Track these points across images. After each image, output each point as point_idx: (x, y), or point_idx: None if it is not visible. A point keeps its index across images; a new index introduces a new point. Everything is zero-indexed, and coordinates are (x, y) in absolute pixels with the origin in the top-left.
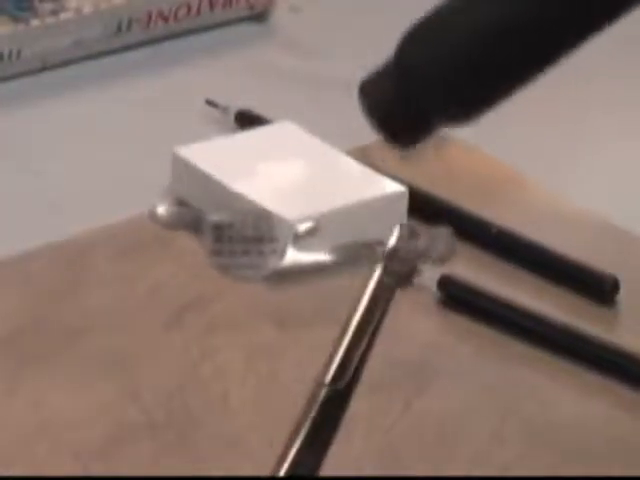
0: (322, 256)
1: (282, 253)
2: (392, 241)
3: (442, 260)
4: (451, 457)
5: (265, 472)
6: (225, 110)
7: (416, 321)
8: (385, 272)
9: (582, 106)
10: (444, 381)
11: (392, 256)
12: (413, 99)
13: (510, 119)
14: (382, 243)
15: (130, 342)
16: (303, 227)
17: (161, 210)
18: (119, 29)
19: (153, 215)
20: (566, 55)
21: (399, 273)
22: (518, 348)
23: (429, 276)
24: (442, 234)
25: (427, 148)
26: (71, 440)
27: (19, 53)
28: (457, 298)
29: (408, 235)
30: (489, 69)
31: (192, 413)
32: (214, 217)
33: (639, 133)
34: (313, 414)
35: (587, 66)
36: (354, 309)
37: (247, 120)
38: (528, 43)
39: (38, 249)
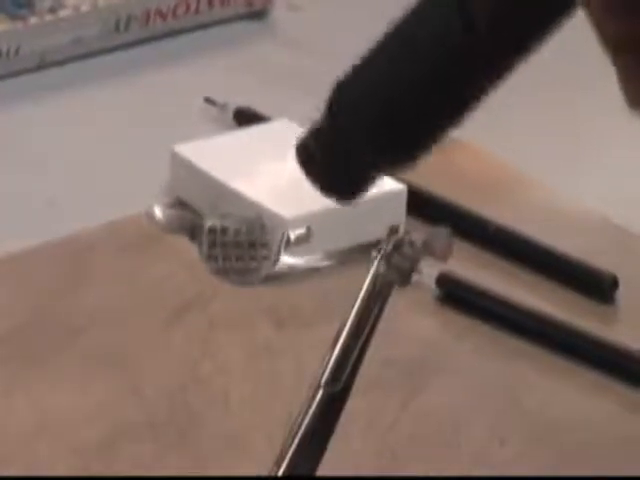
0: (316, 261)
1: (275, 258)
2: (397, 235)
3: (442, 258)
4: (450, 456)
5: (265, 471)
6: (224, 108)
7: (414, 319)
8: (388, 266)
9: (583, 105)
10: (443, 379)
11: (395, 250)
12: (346, 146)
13: (509, 117)
14: (381, 241)
15: (130, 341)
16: (296, 233)
17: (157, 212)
18: (117, 27)
19: (150, 217)
20: (497, 84)
21: (401, 268)
22: (517, 346)
23: (427, 273)
24: (441, 233)
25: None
26: (71, 439)
27: (17, 51)
28: (456, 296)
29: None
30: (419, 115)
31: (192, 412)
32: (208, 222)
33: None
34: (310, 415)
35: (588, 66)
36: (350, 309)
37: (245, 118)
38: (457, 77)
39: (37, 247)
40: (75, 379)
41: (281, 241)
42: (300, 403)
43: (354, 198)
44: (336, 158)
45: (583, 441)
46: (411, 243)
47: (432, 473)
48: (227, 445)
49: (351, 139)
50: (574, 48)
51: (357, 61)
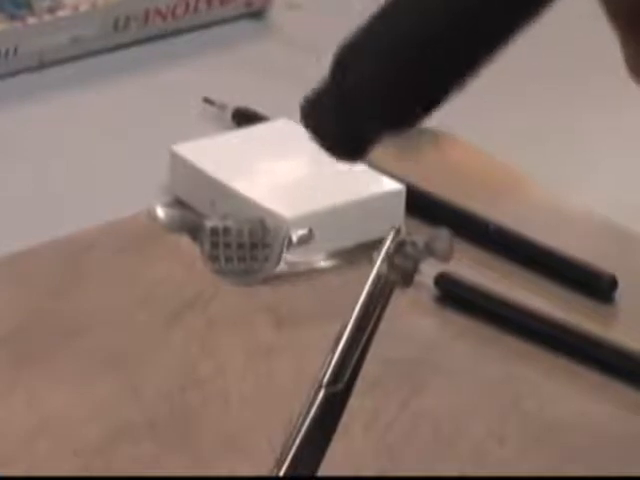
0: (317, 261)
1: (277, 259)
2: (399, 236)
3: (444, 259)
4: (449, 456)
5: (264, 471)
6: (222, 108)
7: (413, 318)
8: (390, 267)
9: (585, 105)
10: (441, 379)
11: (397, 251)
12: (354, 109)
13: (510, 117)
14: (383, 242)
15: (129, 340)
16: (298, 234)
17: (160, 212)
18: (116, 26)
19: (152, 216)
20: (497, 53)
21: (403, 269)
22: (516, 346)
23: (426, 273)
24: (443, 234)
25: (425, 146)
26: (70, 439)
27: (16, 50)
28: (454, 295)
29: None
30: (423, 72)
31: (192, 412)
32: (210, 222)
33: (639, 132)
34: (312, 415)
35: (589, 64)
36: (352, 310)
37: (245, 118)
38: (455, 48)
39: (35, 247)
40: (74, 379)
41: (283, 242)
42: (300, 403)
43: (358, 158)
44: (342, 118)
45: (582, 441)
46: (413, 244)
47: (431, 473)
48: (226, 445)
49: (358, 100)
50: (578, 49)
51: (364, 23)
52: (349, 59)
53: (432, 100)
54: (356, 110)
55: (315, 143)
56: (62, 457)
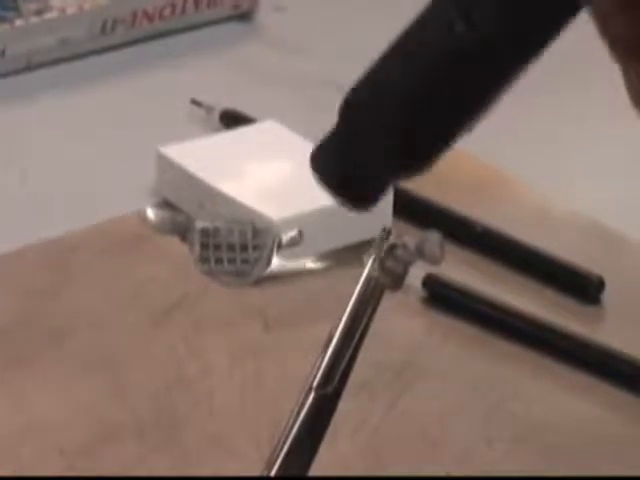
0: (308, 263)
1: (267, 261)
2: (390, 239)
3: (434, 262)
4: (436, 457)
5: (251, 471)
6: (210, 109)
7: (400, 320)
8: (381, 270)
9: (571, 107)
10: (428, 380)
11: (388, 254)
12: (362, 161)
13: (497, 120)
14: (374, 244)
15: (116, 341)
16: (287, 236)
17: (150, 213)
18: (104, 29)
19: (142, 217)
20: (507, 89)
21: (394, 272)
22: (503, 347)
23: (414, 275)
24: (433, 237)
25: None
26: (57, 439)
27: (3, 52)
28: (442, 297)
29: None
30: (431, 120)
31: (178, 413)
32: (201, 224)
33: (627, 135)
34: (302, 417)
35: (577, 69)
36: (342, 312)
37: (232, 119)
38: (470, 83)
39: (22, 249)
40: (60, 380)
41: (273, 244)
42: (286, 404)
43: (370, 205)
44: (349, 162)
45: (569, 441)
46: (404, 247)
47: (418, 473)
48: (212, 445)
49: (367, 148)
50: (565, 49)
51: (370, 67)
52: (355, 105)
53: (440, 145)
54: (362, 154)
55: (325, 190)
56: (48, 457)
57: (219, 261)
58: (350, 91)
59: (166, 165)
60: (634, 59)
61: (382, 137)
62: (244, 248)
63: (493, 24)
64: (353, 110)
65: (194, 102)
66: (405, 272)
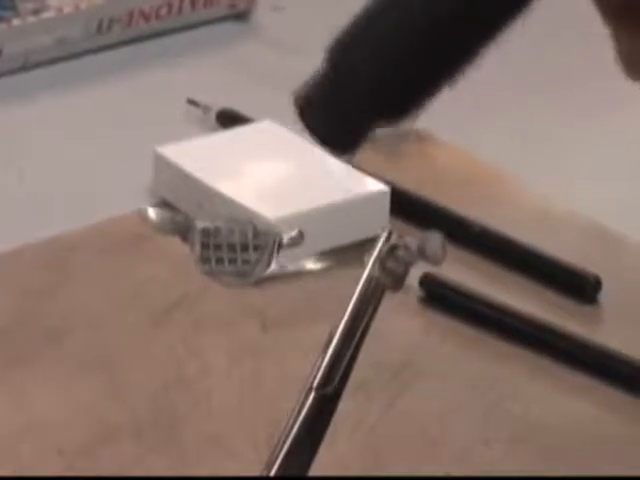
0: (308, 264)
1: (268, 261)
2: (392, 239)
3: (435, 263)
4: (435, 457)
5: (249, 471)
6: (207, 109)
7: (398, 320)
8: (382, 270)
9: (569, 106)
10: (427, 380)
11: (389, 254)
12: (346, 102)
13: (495, 119)
14: (375, 244)
15: (115, 341)
16: (288, 236)
17: (151, 213)
18: (100, 28)
19: (143, 217)
20: (489, 44)
21: (395, 272)
22: (501, 347)
23: (411, 274)
24: (435, 237)
25: (411, 148)
26: (55, 440)
27: (0, 52)
28: (439, 297)
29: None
30: (416, 64)
31: (176, 413)
32: (201, 223)
33: (627, 135)
34: (302, 418)
35: (577, 68)
36: (343, 312)
37: (229, 119)
38: (453, 38)
39: (20, 249)
40: (59, 380)
41: (274, 244)
42: (285, 405)
43: (351, 151)
44: (334, 112)
45: (567, 442)
46: (406, 247)
47: (416, 473)
48: (211, 445)
49: (349, 93)
50: (561, 48)
51: (353, 19)
52: (340, 53)
53: (422, 92)
54: (348, 103)
55: (309, 137)
56: (47, 457)
57: (220, 261)
58: (336, 39)
59: (163, 165)
60: (624, 22)
61: (367, 83)
62: (245, 248)
63: None
64: (339, 58)
65: (191, 102)
66: (406, 273)
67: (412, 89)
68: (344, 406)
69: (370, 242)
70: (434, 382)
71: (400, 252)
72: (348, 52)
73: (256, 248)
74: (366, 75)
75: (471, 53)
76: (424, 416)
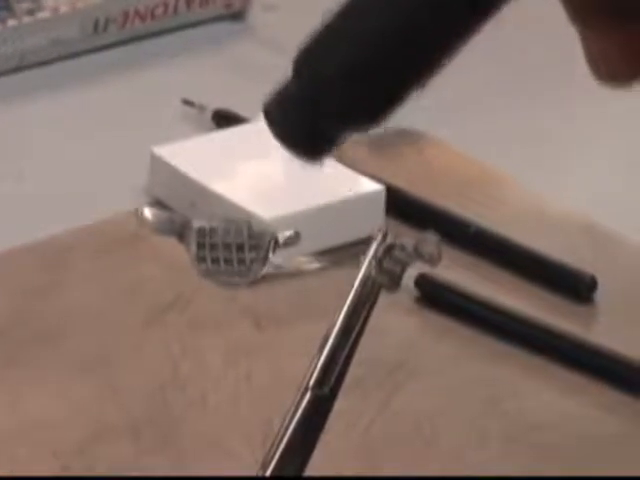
0: (303, 264)
1: (264, 261)
2: (388, 239)
3: (432, 263)
4: (429, 457)
5: (245, 471)
6: (202, 109)
7: (393, 319)
8: (379, 271)
9: (564, 105)
10: (421, 380)
11: (386, 254)
12: (316, 111)
13: (490, 118)
14: (370, 242)
15: (111, 341)
16: (284, 236)
17: (147, 213)
18: (96, 28)
19: (139, 217)
20: (457, 51)
21: (391, 272)
22: (496, 347)
23: (407, 274)
24: (431, 238)
25: (405, 148)
26: (51, 440)
27: None
28: (435, 296)
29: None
30: (384, 70)
31: (172, 413)
32: (197, 223)
33: (622, 134)
34: (298, 418)
35: (572, 67)
36: (339, 312)
37: (224, 119)
38: (421, 42)
39: (14, 249)
40: (55, 380)
41: (269, 244)
42: (280, 404)
43: (320, 157)
44: (302, 117)
45: (562, 441)
46: (402, 248)
47: (411, 473)
48: (206, 446)
49: (317, 99)
50: (558, 48)
51: (322, 23)
52: (308, 58)
53: (392, 98)
54: (316, 108)
55: (278, 142)
56: (43, 458)
57: (215, 261)
58: (304, 48)
59: (159, 165)
60: (590, 23)
61: (338, 89)
62: (241, 248)
63: None
64: (307, 67)
65: (186, 102)
66: (402, 273)
67: (381, 96)
68: (339, 405)
69: (366, 242)
70: (429, 382)
71: (396, 252)
72: (313, 58)
73: (252, 248)
74: (332, 81)
75: (442, 57)
76: (419, 415)
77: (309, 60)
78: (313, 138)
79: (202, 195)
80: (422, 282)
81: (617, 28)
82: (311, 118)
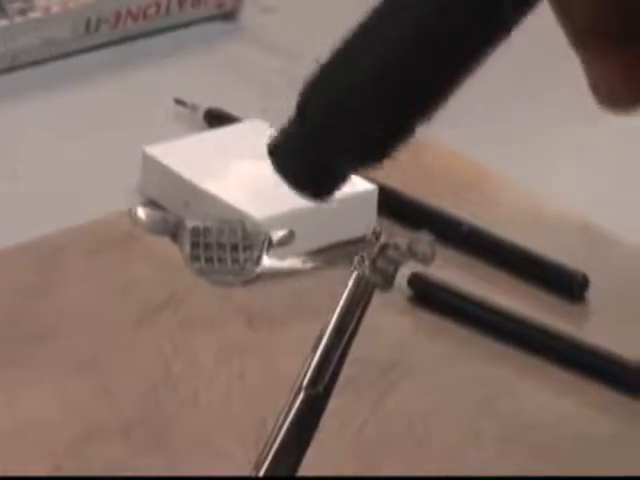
0: (297, 263)
1: (257, 261)
2: (381, 239)
3: (425, 263)
4: (423, 456)
5: (238, 471)
6: (194, 109)
7: (386, 319)
8: (372, 270)
9: (557, 105)
10: (415, 379)
11: (380, 254)
12: (320, 151)
13: (483, 117)
14: (363, 242)
15: (103, 341)
16: (277, 236)
17: (141, 213)
18: (88, 28)
19: (133, 217)
20: (464, 79)
21: (385, 272)
22: (490, 346)
23: (399, 274)
24: (425, 237)
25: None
26: (43, 440)
27: None
28: (427, 296)
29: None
30: (389, 108)
31: (165, 412)
32: (191, 223)
33: (616, 133)
34: (291, 417)
35: (567, 67)
36: (333, 312)
37: (216, 119)
38: (419, 79)
39: (7, 249)
40: (47, 380)
41: (263, 243)
42: (273, 404)
43: (328, 196)
44: (308, 160)
45: (557, 440)
46: (396, 247)
47: (405, 473)
48: (199, 446)
49: (321, 144)
50: (551, 49)
51: (325, 59)
52: (311, 95)
53: (398, 133)
54: (319, 147)
55: (282, 181)
56: (36, 458)
57: (209, 260)
58: (308, 85)
59: (151, 165)
60: (590, 48)
61: (345, 131)
62: (235, 248)
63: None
64: (313, 104)
65: (178, 101)
66: (396, 272)
67: (387, 134)
68: (332, 405)
69: (359, 241)
70: (422, 381)
71: (390, 252)
72: (316, 93)
73: (246, 248)
74: (335, 120)
75: (448, 87)
76: (412, 415)
77: (312, 96)
78: (318, 176)
79: (194, 195)
80: (415, 281)
81: (619, 53)
82: (316, 155)
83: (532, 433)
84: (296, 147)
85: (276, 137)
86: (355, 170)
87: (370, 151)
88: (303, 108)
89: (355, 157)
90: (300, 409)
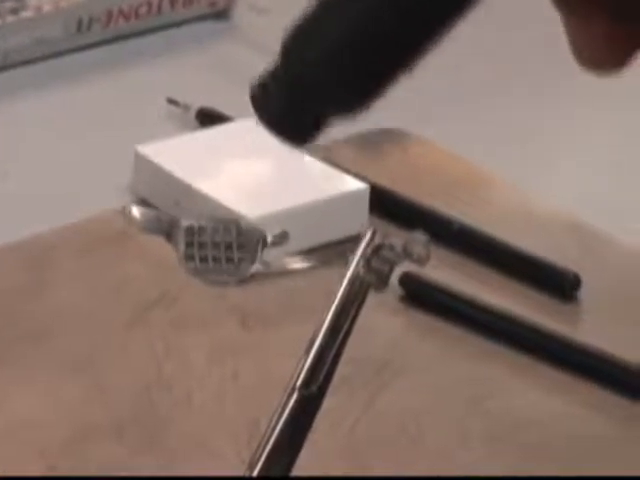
0: (293, 262)
1: (252, 260)
2: (376, 239)
3: (420, 263)
4: (415, 455)
5: (231, 471)
6: (186, 108)
7: (378, 318)
8: (367, 270)
9: (550, 104)
10: (406, 379)
11: (374, 254)
12: (302, 95)
13: (474, 116)
14: (357, 241)
15: (96, 341)
16: (272, 235)
17: (135, 212)
18: (79, 27)
19: (127, 217)
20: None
21: (380, 272)
22: (482, 345)
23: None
24: (419, 238)
25: (390, 147)
26: (37, 440)
27: None
28: (419, 295)
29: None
30: (370, 51)
31: (158, 412)
32: (186, 222)
33: (610, 133)
34: (285, 418)
35: (561, 66)
36: (327, 311)
37: (208, 118)
38: (407, 23)
39: (0, 248)
40: (40, 380)
41: (258, 243)
42: (266, 404)
43: (305, 142)
44: (288, 102)
45: (548, 440)
46: (391, 247)
47: (396, 472)
48: (192, 446)
49: (303, 84)
50: (541, 47)
51: (308, 9)
52: (294, 43)
53: (379, 80)
54: (301, 94)
55: (263, 127)
56: (29, 458)
57: (204, 259)
58: (291, 29)
59: (143, 164)
60: (572, 8)
61: (326, 76)
62: (229, 247)
63: None
64: (294, 46)
65: (170, 101)
66: (390, 272)
67: (368, 77)
68: (325, 404)
69: (352, 241)
70: (414, 380)
71: (385, 252)
72: (300, 41)
73: (240, 247)
74: (318, 64)
75: (430, 39)
76: (404, 414)
77: (295, 43)
78: (299, 121)
79: (186, 194)
80: (406, 281)
81: (602, 15)
82: (297, 100)
83: (523, 432)
84: (276, 90)
85: (257, 82)
86: (333, 116)
87: (347, 96)
88: (285, 54)
89: (333, 102)
90: (294, 409)
